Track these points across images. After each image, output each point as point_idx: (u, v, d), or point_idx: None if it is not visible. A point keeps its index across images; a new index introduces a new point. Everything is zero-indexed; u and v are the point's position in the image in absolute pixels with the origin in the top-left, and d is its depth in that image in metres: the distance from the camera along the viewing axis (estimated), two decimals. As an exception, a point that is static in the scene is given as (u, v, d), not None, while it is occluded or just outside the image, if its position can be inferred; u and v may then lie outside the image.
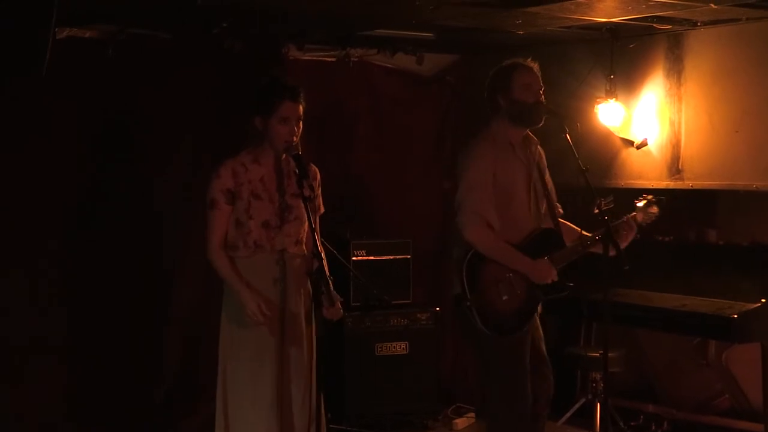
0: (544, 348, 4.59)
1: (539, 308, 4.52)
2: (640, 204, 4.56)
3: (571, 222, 4.63)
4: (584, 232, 4.51)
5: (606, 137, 5.97)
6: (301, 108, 4.17)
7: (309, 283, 4.22)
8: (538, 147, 4.59)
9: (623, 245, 4.40)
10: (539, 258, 4.38)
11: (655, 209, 4.57)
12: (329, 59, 6.18)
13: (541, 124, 4.47)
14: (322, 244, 4.12)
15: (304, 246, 4.29)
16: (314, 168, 4.36)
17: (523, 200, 4.46)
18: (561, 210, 4.62)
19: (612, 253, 4.28)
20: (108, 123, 5.42)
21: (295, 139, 4.14)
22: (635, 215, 4.53)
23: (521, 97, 4.39)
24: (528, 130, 4.51)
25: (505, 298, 4.34)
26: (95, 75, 5.27)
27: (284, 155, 4.20)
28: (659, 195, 4.61)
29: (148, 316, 5.52)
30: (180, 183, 5.55)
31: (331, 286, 3.99)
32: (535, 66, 4.45)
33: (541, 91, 4.43)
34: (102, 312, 5.38)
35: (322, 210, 4.42)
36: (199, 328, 5.49)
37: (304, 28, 5.66)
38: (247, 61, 5.71)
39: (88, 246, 5.34)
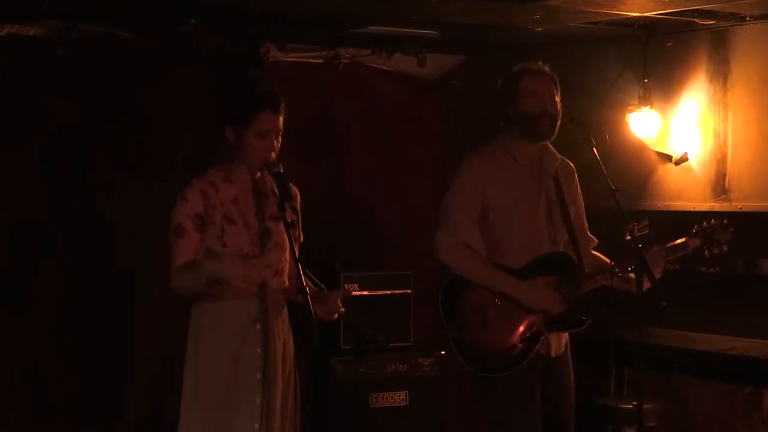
0: (571, 399, 4.54)
1: (557, 347, 4.46)
2: (704, 225, 4.49)
3: (601, 253, 4.60)
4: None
5: (639, 151, 5.96)
6: (281, 120, 4.15)
7: (288, 321, 4.19)
8: (566, 167, 4.60)
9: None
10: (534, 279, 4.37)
11: (726, 235, 4.47)
12: (316, 61, 6.18)
13: (551, 139, 4.47)
14: (307, 276, 4.08)
15: (285, 277, 4.25)
16: (294, 188, 4.33)
17: (529, 222, 4.46)
18: (595, 241, 4.65)
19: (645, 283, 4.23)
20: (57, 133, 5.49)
21: (273, 155, 4.12)
22: (686, 241, 4.45)
23: (526, 108, 4.42)
24: (548, 144, 4.51)
25: (490, 328, 4.34)
26: (42, 77, 5.35)
27: (259, 173, 4.17)
28: (708, 219, 4.56)
29: (122, 319, 5.64)
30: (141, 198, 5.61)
31: (316, 325, 3.94)
32: (545, 68, 4.49)
33: (554, 98, 4.44)
34: (98, 311, 5.54)
35: (302, 239, 4.38)
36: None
37: (292, 26, 5.68)
38: (220, 63, 5.71)
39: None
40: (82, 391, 5.52)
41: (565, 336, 4.55)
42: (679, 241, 4.48)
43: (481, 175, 4.44)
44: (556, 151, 4.57)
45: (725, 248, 4.48)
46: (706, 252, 4.47)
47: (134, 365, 5.69)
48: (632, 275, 4.31)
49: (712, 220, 4.51)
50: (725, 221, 4.49)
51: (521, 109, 4.42)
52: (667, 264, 4.44)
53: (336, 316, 4.22)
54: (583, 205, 4.67)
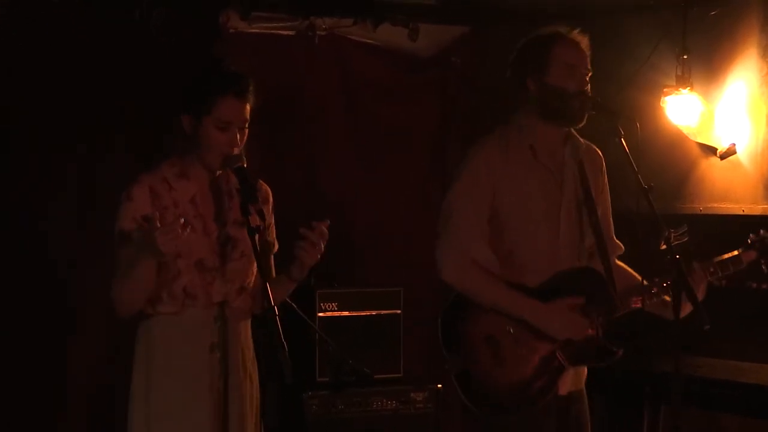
0: None
1: (576, 382, 4.48)
2: (762, 234, 4.45)
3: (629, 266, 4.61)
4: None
5: (677, 142, 6.00)
6: (248, 108, 4.14)
7: (252, 350, 4.21)
8: (593, 155, 4.59)
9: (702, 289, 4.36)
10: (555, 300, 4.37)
11: None
12: (286, 32, 6.18)
13: (581, 124, 4.46)
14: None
15: (249, 296, 4.26)
16: (265, 187, 4.34)
17: (548, 227, 4.46)
18: (622, 248, 4.63)
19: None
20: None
21: (235, 150, 4.11)
22: (740, 254, 4.42)
23: (560, 83, 4.41)
24: (572, 130, 4.51)
25: (501, 362, 4.34)
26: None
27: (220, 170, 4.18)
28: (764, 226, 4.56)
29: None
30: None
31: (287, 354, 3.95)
32: (584, 41, 4.47)
33: (587, 78, 4.44)
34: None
35: (277, 247, 4.39)
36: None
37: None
38: (171, 36, 5.71)
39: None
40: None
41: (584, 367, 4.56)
42: (730, 254, 4.44)
43: (490, 169, 4.41)
44: (579, 137, 4.55)
45: None
46: (763, 267, 4.46)
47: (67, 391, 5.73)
48: (668, 297, 4.31)
49: None
50: None
51: (552, 83, 4.40)
52: (711, 280, 4.43)
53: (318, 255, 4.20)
54: (610, 203, 4.66)
